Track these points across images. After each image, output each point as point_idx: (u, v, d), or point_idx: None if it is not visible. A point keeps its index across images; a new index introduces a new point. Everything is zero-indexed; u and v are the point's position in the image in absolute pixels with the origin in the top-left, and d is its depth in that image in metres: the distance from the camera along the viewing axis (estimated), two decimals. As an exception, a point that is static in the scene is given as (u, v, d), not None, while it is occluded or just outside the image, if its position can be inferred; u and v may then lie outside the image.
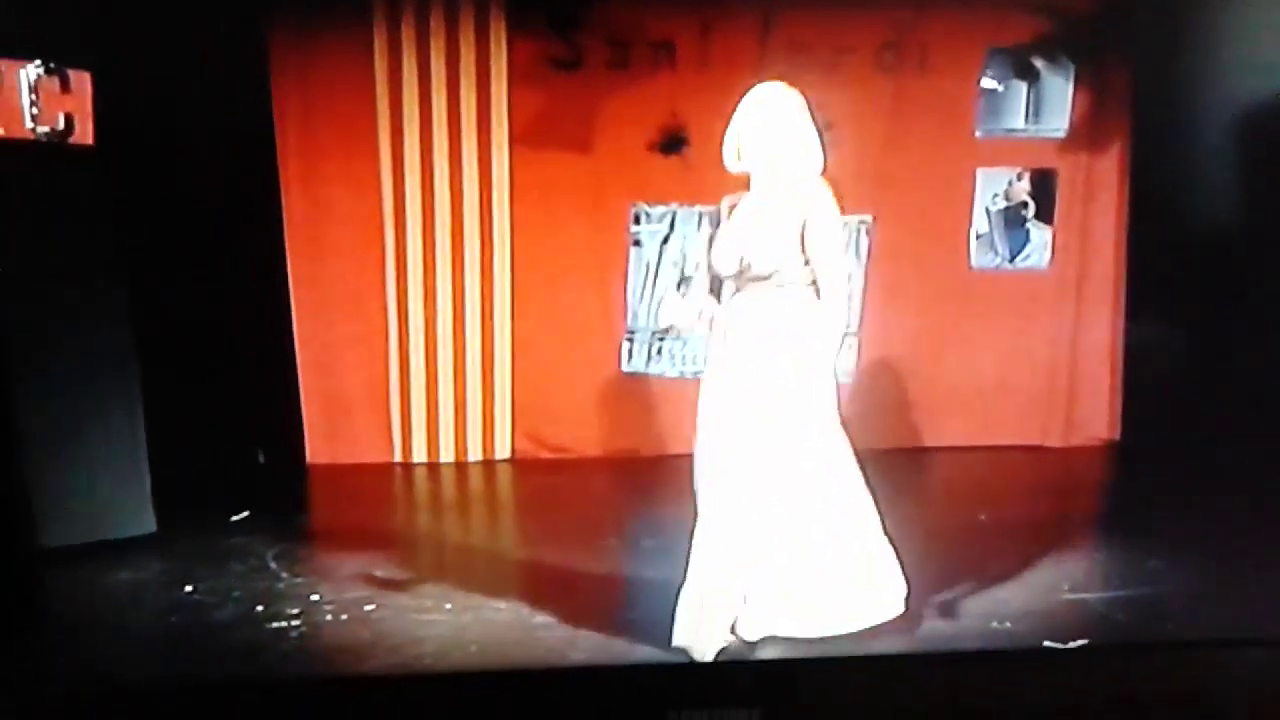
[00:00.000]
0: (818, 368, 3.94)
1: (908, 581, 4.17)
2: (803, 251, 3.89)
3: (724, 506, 3.94)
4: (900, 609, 4.12)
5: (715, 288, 4.14)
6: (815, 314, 3.95)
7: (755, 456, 3.93)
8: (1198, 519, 5.49)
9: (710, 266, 4.12)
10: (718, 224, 4.10)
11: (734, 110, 4.02)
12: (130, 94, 5.47)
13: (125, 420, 5.40)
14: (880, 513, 4.18)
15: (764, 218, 3.95)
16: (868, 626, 4.06)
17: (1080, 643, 4.11)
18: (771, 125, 3.95)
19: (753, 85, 4.04)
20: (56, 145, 5.14)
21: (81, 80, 5.19)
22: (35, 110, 5.04)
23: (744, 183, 4.07)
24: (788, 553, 3.97)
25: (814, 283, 3.96)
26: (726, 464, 3.95)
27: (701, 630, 3.93)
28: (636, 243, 7.18)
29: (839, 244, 4.03)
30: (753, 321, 3.97)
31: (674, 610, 3.98)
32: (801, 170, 3.99)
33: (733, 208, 4.07)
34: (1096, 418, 7.41)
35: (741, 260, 3.94)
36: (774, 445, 3.93)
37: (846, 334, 7.24)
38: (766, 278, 3.93)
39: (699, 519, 4.00)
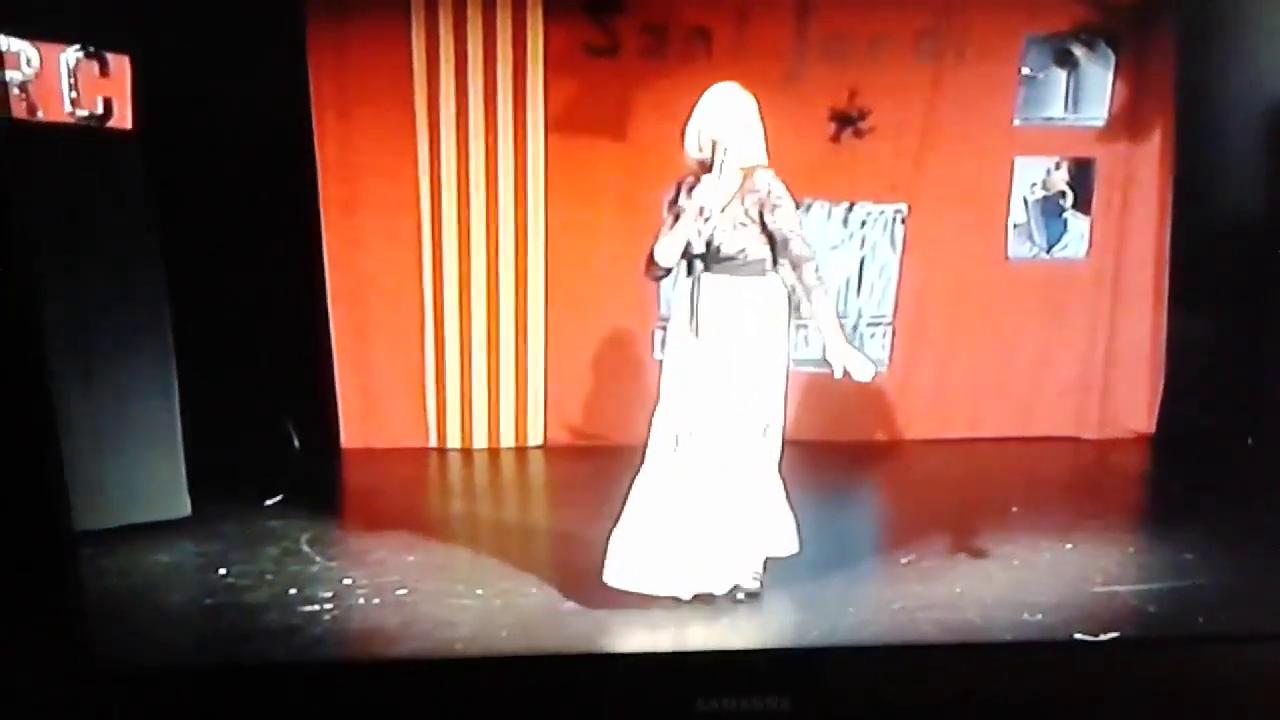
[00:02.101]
0: (772, 344, 4.40)
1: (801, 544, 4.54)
2: (763, 231, 4.32)
3: (669, 463, 4.38)
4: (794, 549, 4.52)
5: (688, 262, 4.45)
6: (773, 294, 4.38)
7: (706, 421, 4.34)
8: (1232, 513, 5.46)
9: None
10: (674, 202, 4.46)
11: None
12: (168, 78, 5.49)
13: (161, 405, 5.45)
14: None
15: (727, 202, 4.34)
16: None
17: (1112, 635, 4.10)
18: (734, 119, 4.39)
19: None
20: (94, 129, 5.18)
21: (120, 64, 5.21)
22: (74, 94, 5.08)
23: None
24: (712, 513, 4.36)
25: (775, 264, 4.39)
26: (680, 426, 4.37)
27: (627, 571, 4.36)
28: (670, 230, 7.18)
29: (797, 220, 4.43)
30: (717, 299, 4.34)
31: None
32: (754, 160, 4.41)
33: (690, 188, 4.41)
34: (1133, 410, 7.35)
35: (710, 242, 4.33)
36: (722, 414, 4.33)
37: (881, 322, 7.28)
38: (732, 258, 4.33)
39: (642, 469, 4.42)
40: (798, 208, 6.99)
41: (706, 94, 4.45)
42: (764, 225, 4.33)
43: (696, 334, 4.36)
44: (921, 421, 7.32)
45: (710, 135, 4.36)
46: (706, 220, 4.29)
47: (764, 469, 4.45)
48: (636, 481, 4.42)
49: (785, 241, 4.32)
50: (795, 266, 4.34)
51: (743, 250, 4.31)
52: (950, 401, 7.33)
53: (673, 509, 4.35)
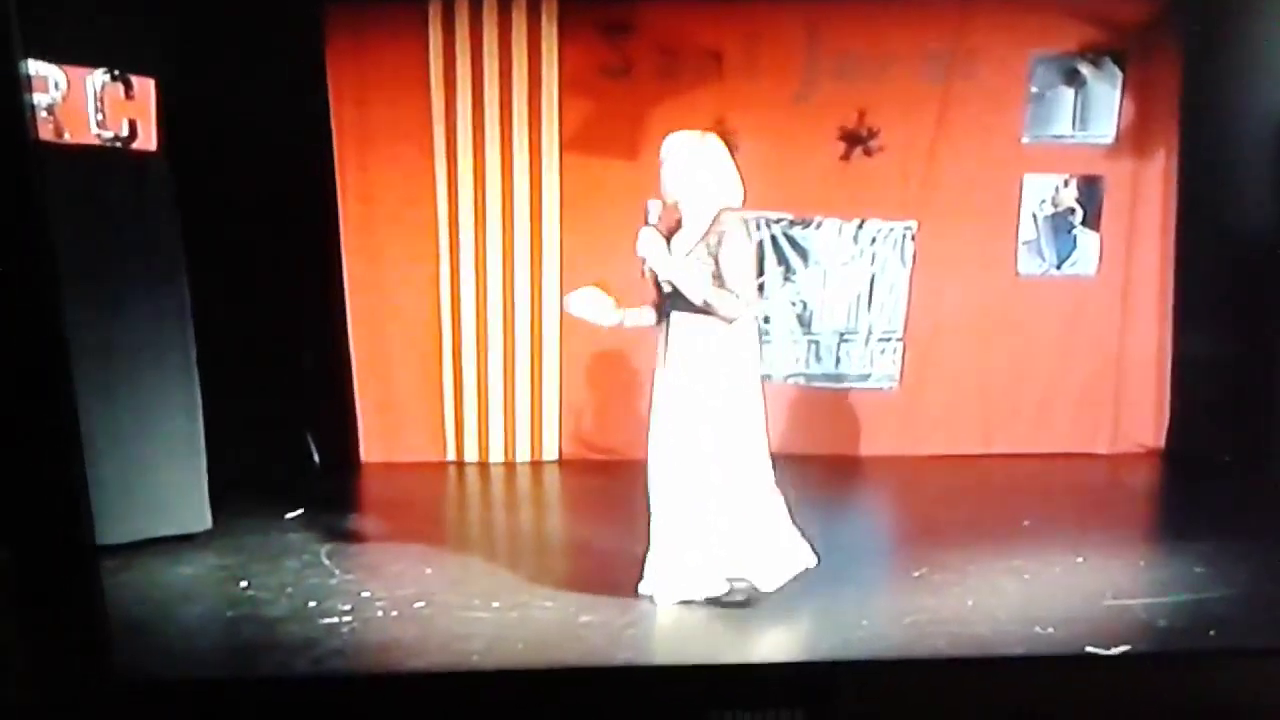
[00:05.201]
0: (741, 381, 4.47)
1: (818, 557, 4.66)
2: (717, 276, 4.36)
3: (667, 493, 4.55)
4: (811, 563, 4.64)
5: (659, 301, 4.61)
6: (737, 333, 4.46)
7: (689, 453, 4.48)
8: (1243, 527, 5.47)
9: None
10: (646, 223, 4.51)
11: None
12: (192, 101, 5.57)
13: (184, 420, 5.51)
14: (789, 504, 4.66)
15: (691, 246, 4.44)
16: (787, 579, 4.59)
17: (1123, 649, 4.12)
18: (684, 170, 4.47)
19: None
20: (120, 150, 5.26)
21: (145, 87, 5.30)
22: (100, 116, 5.17)
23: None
24: (717, 533, 4.53)
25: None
26: (668, 457, 4.53)
27: (662, 586, 4.59)
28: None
29: (746, 270, 4.48)
30: (681, 338, 4.48)
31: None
32: (716, 205, 4.46)
33: (656, 213, 4.52)
34: (1144, 425, 7.37)
35: (668, 282, 4.45)
36: (702, 446, 4.47)
37: (892, 338, 7.32)
38: (698, 305, 4.41)
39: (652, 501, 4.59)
40: (808, 226, 7.15)
41: (664, 145, 4.54)
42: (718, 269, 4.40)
43: (664, 365, 4.55)
44: (932, 437, 7.34)
45: (667, 191, 4.49)
46: (646, 273, 4.48)
47: (755, 494, 4.55)
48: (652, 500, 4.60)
49: (719, 279, 4.37)
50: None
51: (705, 299, 4.40)
52: (961, 417, 7.37)
53: (679, 527, 4.54)
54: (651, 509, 4.58)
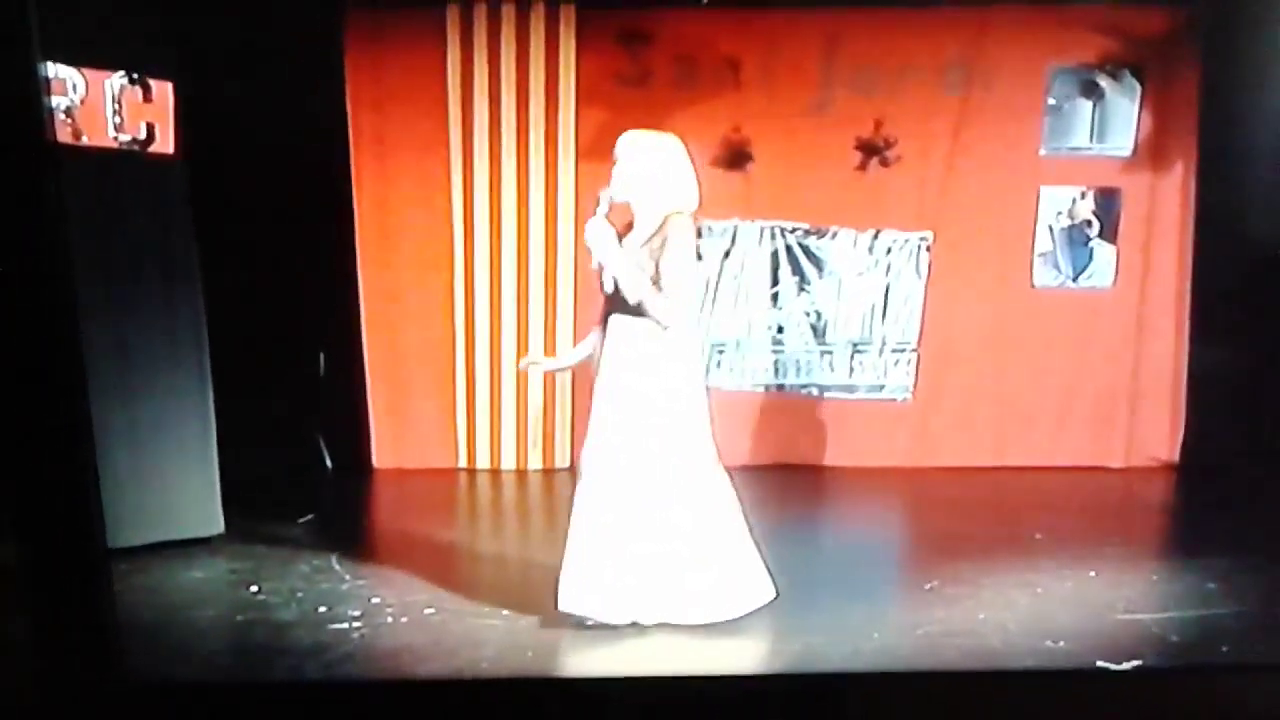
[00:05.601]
0: (679, 389, 4.35)
1: (775, 586, 4.50)
2: (655, 281, 4.26)
3: (593, 501, 4.37)
4: (769, 597, 4.46)
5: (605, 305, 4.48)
6: (675, 339, 4.33)
7: (624, 459, 4.34)
8: (1256, 542, 5.44)
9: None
10: (596, 214, 4.41)
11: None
12: (210, 105, 5.59)
13: (197, 424, 5.54)
14: (746, 519, 4.49)
15: (632, 248, 4.35)
16: (737, 616, 4.41)
17: (1135, 663, 4.10)
18: (636, 171, 4.38)
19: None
20: (138, 154, 5.29)
21: (163, 90, 5.33)
22: (118, 119, 5.20)
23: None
24: (650, 545, 4.35)
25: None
26: (601, 462, 4.36)
27: (582, 600, 4.39)
28: (698, 257, 7.24)
29: (684, 276, 4.31)
30: (618, 339, 4.37)
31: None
32: (667, 207, 4.35)
33: (607, 203, 4.39)
34: (1158, 439, 7.35)
35: (611, 283, 4.34)
36: (640, 453, 4.33)
37: (906, 349, 7.30)
38: (632, 304, 4.30)
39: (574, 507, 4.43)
40: (823, 235, 7.15)
41: (619, 142, 4.46)
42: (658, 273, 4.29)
43: (597, 369, 4.44)
44: (945, 448, 7.33)
45: (618, 190, 4.40)
46: (594, 264, 4.37)
47: (696, 511, 4.41)
48: (574, 510, 4.45)
49: (655, 280, 4.26)
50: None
51: (639, 299, 4.29)
52: (975, 429, 7.35)
53: (612, 537, 4.37)
54: (573, 518, 4.44)
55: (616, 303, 4.35)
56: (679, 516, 4.36)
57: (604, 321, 4.44)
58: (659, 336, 4.31)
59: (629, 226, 4.44)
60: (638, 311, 4.30)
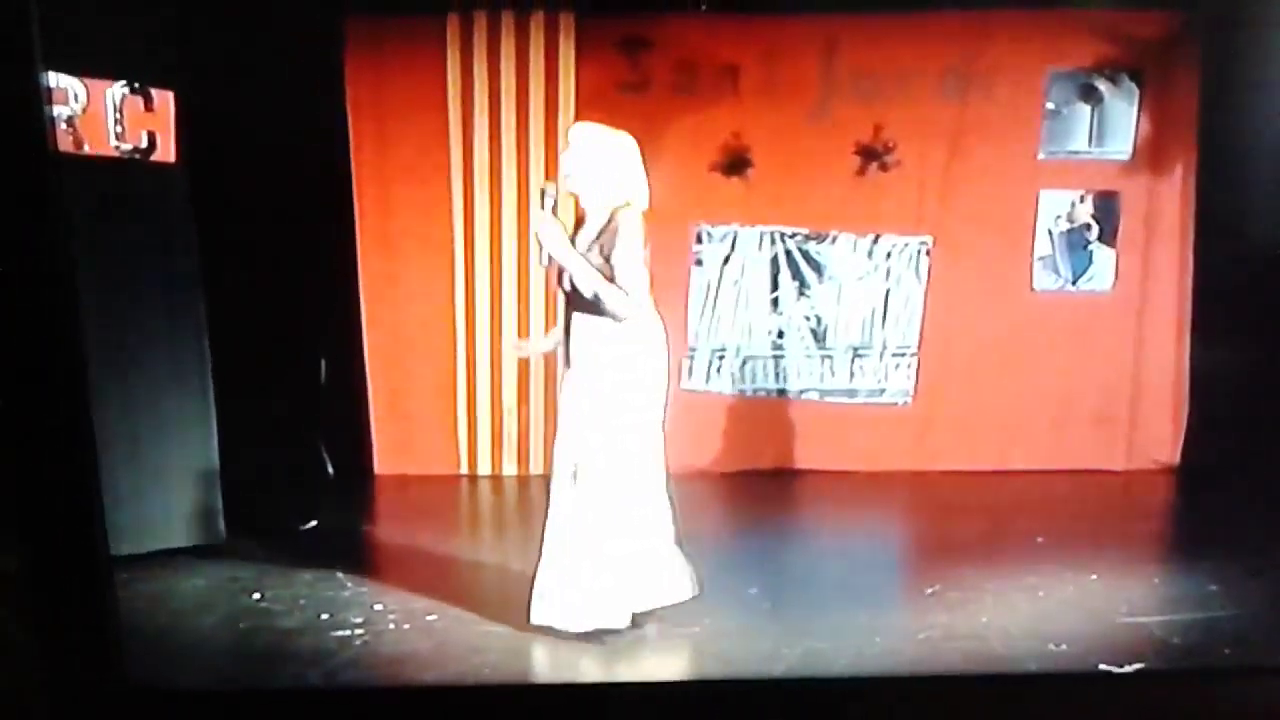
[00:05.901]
0: (632, 381, 4.35)
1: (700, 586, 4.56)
2: (609, 276, 4.26)
3: (561, 503, 4.44)
4: (689, 594, 4.52)
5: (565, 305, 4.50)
6: (633, 333, 4.34)
7: (581, 459, 4.38)
8: (1257, 544, 5.45)
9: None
10: (542, 206, 4.37)
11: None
12: (211, 114, 5.60)
13: (198, 432, 5.54)
14: (676, 523, 4.53)
15: (588, 245, 4.33)
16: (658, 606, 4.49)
17: (1137, 666, 4.11)
18: (585, 161, 4.36)
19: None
20: (139, 162, 5.29)
21: (164, 99, 5.34)
22: (119, 128, 5.21)
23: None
24: (630, 543, 4.40)
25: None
26: (565, 463, 4.43)
27: (555, 611, 4.41)
28: (698, 262, 7.26)
29: (637, 268, 4.28)
30: (581, 337, 4.38)
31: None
32: (616, 201, 4.34)
33: (552, 199, 4.34)
34: (1159, 441, 7.35)
35: (568, 280, 4.34)
36: (594, 450, 4.36)
37: (906, 353, 7.31)
38: (588, 299, 4.30)
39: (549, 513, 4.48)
40: (823, 240, 7.15)
41: (570, 132, 4.48)
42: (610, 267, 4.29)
43: (568, 365, 4.45)
44: (946, 452, 7.33)
45: (565, 180, 4.40)
46: (543, 261, 4.32)
47: (647, 506, 4.46)
48: (548, 517, 4.48)
49: (609, 275, 4.26)
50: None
51: (595, 292, 4.29)
52: (975, 433, 7.34)
53: (578, 543, 4.39)
54: (547, 524, 4.49)
55: (576, 300, 4.36)
56: (658, 512, 4.45)
57: (566, 320, 4.45)
58: (623, 332, 4.32)
59: (578, 224, 4.45)
60: (595, 308, 4.30)
